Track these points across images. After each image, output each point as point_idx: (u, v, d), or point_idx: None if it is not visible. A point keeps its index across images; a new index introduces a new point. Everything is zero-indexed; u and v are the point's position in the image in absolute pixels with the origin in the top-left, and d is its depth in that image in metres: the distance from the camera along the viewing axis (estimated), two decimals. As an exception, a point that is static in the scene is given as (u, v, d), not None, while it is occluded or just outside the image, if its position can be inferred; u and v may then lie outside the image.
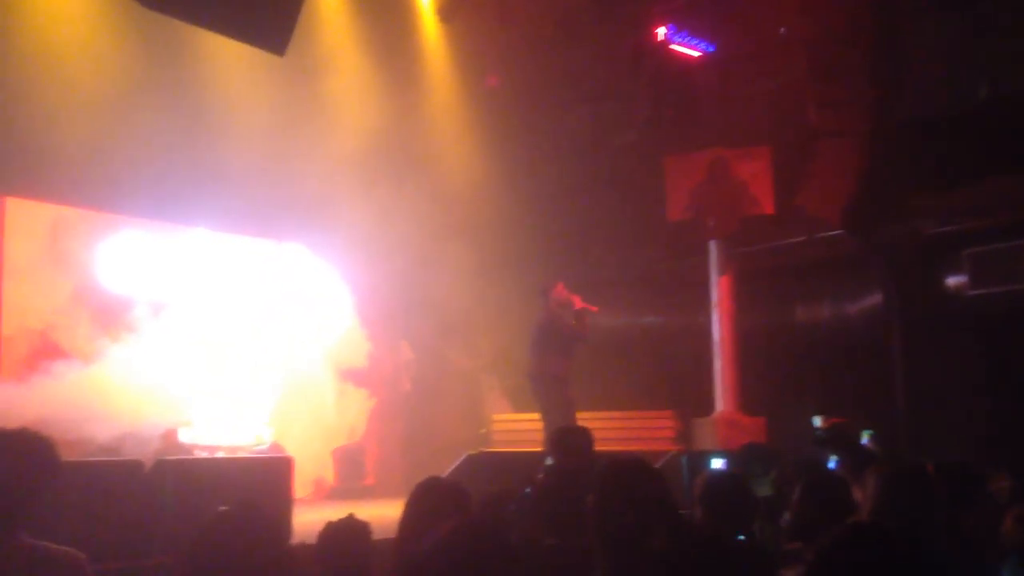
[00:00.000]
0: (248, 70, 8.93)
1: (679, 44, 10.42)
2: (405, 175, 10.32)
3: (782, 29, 10.13)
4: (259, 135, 9.09)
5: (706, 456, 6.99)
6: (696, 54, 10.59)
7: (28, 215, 8.88)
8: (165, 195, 9.09)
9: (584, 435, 5.15)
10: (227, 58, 9.01)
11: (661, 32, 10.30)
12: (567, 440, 5.10)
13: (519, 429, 9.88)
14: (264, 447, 9.15)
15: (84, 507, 4.66)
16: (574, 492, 4.07)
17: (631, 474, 3.03)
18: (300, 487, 7.36)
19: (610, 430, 9.26)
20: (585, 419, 8.93)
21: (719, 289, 10.34)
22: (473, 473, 7.74)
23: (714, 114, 10.63)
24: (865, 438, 6.11)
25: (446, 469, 8.02)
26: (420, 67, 11.24)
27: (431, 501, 3.37)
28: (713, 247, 10.42)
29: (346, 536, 3.47)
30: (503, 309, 10.51)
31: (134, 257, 9.41)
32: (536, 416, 9.97)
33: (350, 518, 3.55)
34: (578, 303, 8.51)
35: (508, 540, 2.40)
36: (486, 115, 11.30)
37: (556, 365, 8.26)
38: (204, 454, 8.50)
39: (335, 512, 3.56)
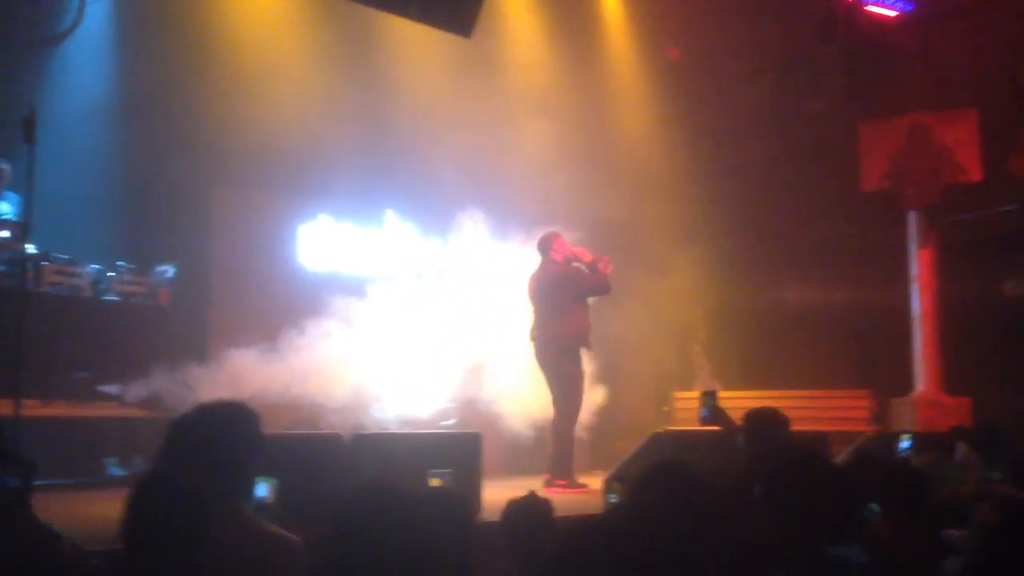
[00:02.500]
0: (433, 53, 9.10)
1: (874, 4, 9.89)
2: (587, 153, 10.27)
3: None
4: (444, 119, 9.26)
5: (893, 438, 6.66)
6: (893, 14, 10.02)
7: (234, 202, 9.42)
8: (357, 180, 9.42)
9: (777, 417, 4.97)
10: (413, 43, 9.21)
11: (852, -7, 9.83)
12: (759, 422, 4.93)
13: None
14: (451, 423, 9.35)
15: (285, 478, 4.86)
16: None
17: (802, 469, 2.89)
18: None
19: (800, 410, 8.88)
20: (774, 398, 8.68)
21: (919, 262, 9.82)
22: (658, 452, 7.64)
23: (914, 77, 10.05)
24: None
25: (630, 448, 7.95)
26: (601, 41, 11.15)
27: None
28: (913, 218, 9.89)
29: (530, 514, 3.50)
30: (686, 285, 10.33)
31: (332, 240, 9.82)
32: (724, 394, 9.79)
33: (532, 496, 3.58)
34: (588, 255, 7.99)
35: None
36: (668, 88, 11.09)
37: (571, 325, 7.82)
38: (395, 428, 8.77)
39: (517, 489, 3.59)
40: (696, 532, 2.89)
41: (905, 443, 6.51)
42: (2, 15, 7.68)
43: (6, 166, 7.48)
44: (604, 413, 10.95)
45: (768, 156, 11.19)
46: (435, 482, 5.18)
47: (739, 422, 5.67)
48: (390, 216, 10.15)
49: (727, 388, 10.41)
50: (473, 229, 9.29)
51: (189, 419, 2.95)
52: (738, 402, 9.21)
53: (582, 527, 1.97)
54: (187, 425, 2.93)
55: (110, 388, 7.36)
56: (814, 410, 9.53)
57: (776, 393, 8.75)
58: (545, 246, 7.99)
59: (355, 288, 9.18)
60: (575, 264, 8.00)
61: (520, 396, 9.50)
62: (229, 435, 2.91)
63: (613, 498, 4.46)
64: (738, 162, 11.21)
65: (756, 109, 11.42)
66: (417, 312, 9.78)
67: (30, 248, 6.74)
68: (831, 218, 10.92)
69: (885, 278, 10.43)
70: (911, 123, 10.03)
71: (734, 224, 10.85)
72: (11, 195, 7.55)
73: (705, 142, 11.29)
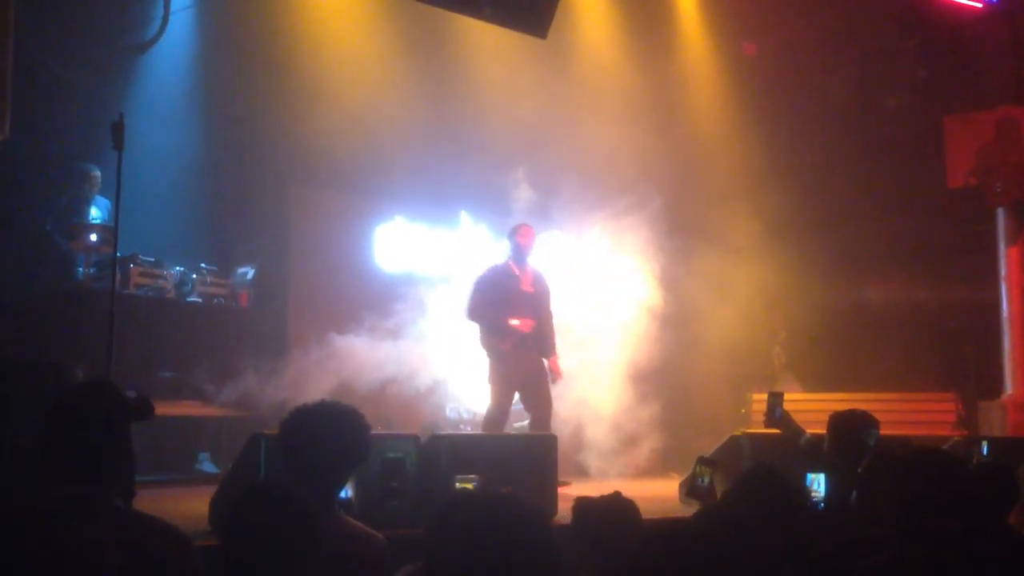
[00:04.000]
0: (507, 55, 9.12)
1: (958, -4, 9.62)
2: (663, 152, 10.17)
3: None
4: (518, 119, 9.27)
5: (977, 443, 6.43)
6: (978, 5, 9.71)
7: (312, 204, 9.57)
8: (432, 182, 9.50)
9: (867, 420, 4.83)
10: (488, 43, 9.24)
11: (936, -16, 9.56)
12: (846, 426, 4.80)
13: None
14: (525, 424, 9.35)
15: (364, 477, 4.91)
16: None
17: (904, 468, 2.77)
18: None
19: (882, 413, 8.65)
20: (855, 400, 8.47)
21: (1009, 260, 9.48)
22: (737, 455, 7.53)
23: (1000, 69, 9.72)
24: None
25: (708, 449, 7.85)
26: (676, 39, 11.03)
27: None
28: (1001, 214, 9.56)
29: (617, 514, 3.37)
30: (765, 285, 10.16)
31: (407, 240, 9.91)
32: (804, 396, 9.60)
33: (617, 496, 3.46)
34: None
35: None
36: (745, 82, 10.93)
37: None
38: (468, 429, 8.81)
39: (592, 491, 3.51)
40: (789, 538, 2.83)
41: (984, 449, 6.29)
42: (90, 25, 7.91)
43: (96, 172, 7.72)
44: (679, 414, 10.84)
45: (849, 151, 10.95)
46: (467, 485, 5.16)
47: (808, 427, 5.55)
48: (464, 217, 10.20)
49: (807, 390, 10.21)
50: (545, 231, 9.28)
51: (300, 420, 2.95)
52: (818, 404, 9.06)
53: (672, 531, 1.92)
54: (298, 426, 2.94)
55: (197, 387, 7.54)
56: (897, 413, 9.26)
57: (857, 395, 8.51)
58: (512, 236, 7.54)
59: (430, 288, 9.26)
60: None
61: (594, 397, 9.46)
62: (338, 437, 2.91)
63: (703, 481, 4.34)
64: (818, 158, 10.99)
65: (836, 103, 11.20)
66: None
67: (118, 251, 6.94)
68: (916, 215, 10.63)
69: (973, 276, 10.12)
70: (998, 117, 9.72)
71: (815, 221, 10.64)
72: (101, 200, 7.79)
73: (783, 138, 11.09)
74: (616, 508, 3.33)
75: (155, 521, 2.45)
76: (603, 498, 3.40)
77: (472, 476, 5.24)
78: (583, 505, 3.31)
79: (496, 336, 7.34)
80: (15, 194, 7.30)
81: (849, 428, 4.79)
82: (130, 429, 2.53)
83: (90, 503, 2.31)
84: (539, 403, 7.41)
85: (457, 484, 5.18)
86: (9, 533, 1.95)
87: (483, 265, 7.76)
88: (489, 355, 7.42)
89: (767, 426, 5.84)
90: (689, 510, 4.50)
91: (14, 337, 6.71)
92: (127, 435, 2.50)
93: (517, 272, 7.47)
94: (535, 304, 7.47)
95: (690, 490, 4.38)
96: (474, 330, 7.54)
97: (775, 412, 5.58)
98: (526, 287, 7.46)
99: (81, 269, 7.41)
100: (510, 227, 7.68)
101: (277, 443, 3.04)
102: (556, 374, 7.52)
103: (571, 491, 5.52)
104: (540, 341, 7.48)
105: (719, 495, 4.14)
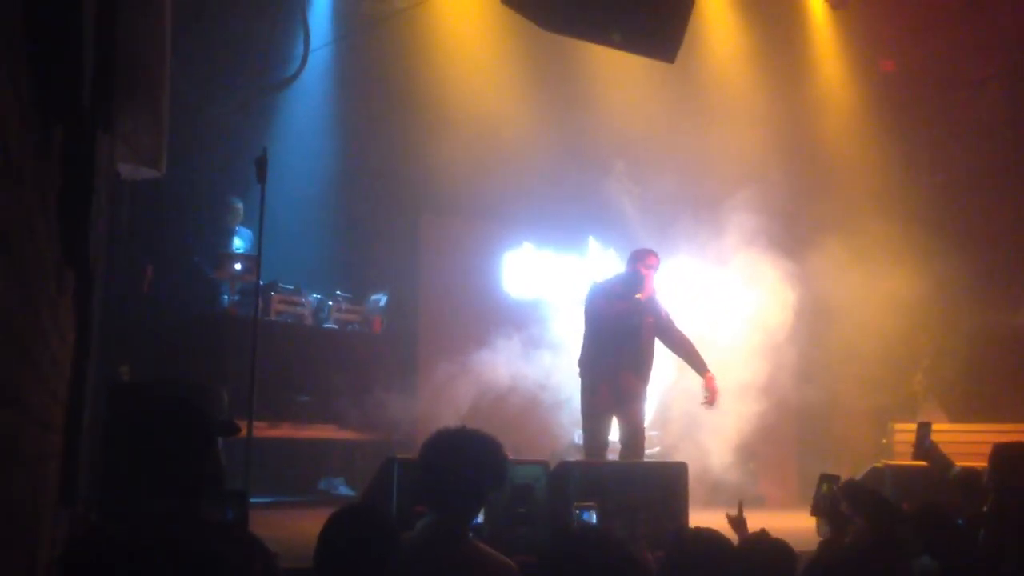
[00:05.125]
0: (636, 79, 9.10)
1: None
2: (798, 171, 9.92)
3: None
4: (647, 143, 9.23)
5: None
6: None
7: (442, 231, 9.75)
8: (560, 208, 9.55)
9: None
10: (615, 66, 9.25)
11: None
12: (1012, 458, 4.50)
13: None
14: (655, 451, 9.23)
15: (493, 503, 4.93)
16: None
17: None
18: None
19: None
20: (1010, 432, 8.00)
21: None
22: (877, 487, 7.22)
23: None
24: None
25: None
26: (810, 56, 10.79)
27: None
28: None
29: (770, 556, 3.20)
30: (908, 310, 9.75)
31: (536, 266, 9.97)
32: (950, 426, 9.13)
33: (763, 534, 3.33)
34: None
35: None
36: (886, 100, 10.58)
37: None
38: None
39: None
40: None
41: None
42: (234, 64, 8.31)
43: (240, 204, 8.08)
44: (817, 443, 10.49)
45: (998, 167, 10.43)
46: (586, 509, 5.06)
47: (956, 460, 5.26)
48: (592, 243, 10.19)
49: (953, 420, 9.72)
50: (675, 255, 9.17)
51: (440, 444, 2.99)
52: (967, 436, 8.61)
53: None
54: (438, 450, 2.98)
55: (332, 411, 7.75)
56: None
57: (1011, 427, 8.05)
58: (636, 262, 7.05)
59: (559, 314, 9.27)
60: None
61: (720, 424, 9.26)
62: (476, 463, 2.95)
63: (827, 503, 4.22)
64: (963, 175, 10.50)
65: (983, 118, 10.70)
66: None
67: (260, 280, 7.23)
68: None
69: None
70: None
71: (961, 241, 10.15)
72: (243, 230, 8.14)
73: (925, 154, 10.66)
74: (769, 548, 3.15)
75: (235, 530, 2.58)
76: (758, 536, 3.27)
77: (590, 503, 5.18)
78: (681, 536, 3.12)
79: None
80: (167, 226, 7.70)
81: (1012, 460, 4.48)
82: (216, 445, 2.63)
83: (179, 516, 2.43)
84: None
85: (575, 509, 5.12)
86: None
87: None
88: None
89: (915, 457, 5.56)
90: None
91: (166, 361, 7.06)
92: (212, 451, 2.60)
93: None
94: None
95: (816, 507, 4.27)
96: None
97: (924, 443, 5.34)
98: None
99: (226, 296, 7.75)
100: (634, 252, 7.21)
101: (410, 467, 3.10)
102: (713, 392, 7.00)
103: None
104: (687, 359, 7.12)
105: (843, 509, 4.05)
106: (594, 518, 5.03)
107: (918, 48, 10.54)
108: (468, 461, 2.93)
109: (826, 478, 4.38)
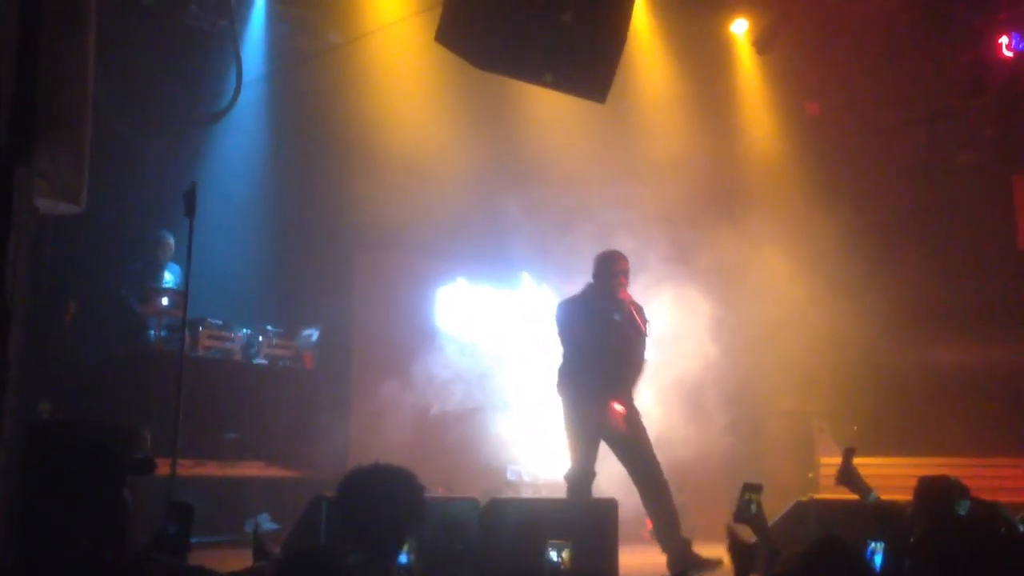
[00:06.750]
0: (567, 116, 9.24)
1: (1027, 53, 9.52)
2: (723, 209, 10.14)
3: None
4: (578, 183, 9.36)
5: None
6: (1050, 62, 9.60)
7: (376, 266, 9.73)
8: (493, 243, 9.60)
9: (957, 488, 4.66)
10: (548, 106, 9.38)
11: (1005, 42, 9.47)
12: (934, 493, 4.61)
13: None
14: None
15: (424, 541, 4.89)
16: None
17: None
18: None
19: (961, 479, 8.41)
20: (926, 466, 8.22)
21: (1085, 322, 9.21)
22: (802, 521, 7.34)
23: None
24: None
25: (773, 515, 7.66)
26: (737, 98, 11.07)
27: None
28: (1076, 275, 9.31)
29: None
30: (828, 344, 10.00)
31: (470, 300, 10.00)
32: (876, 460, 9.33)
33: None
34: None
35: None
36: (809, 144, 10.89)
37: None
38: (529, 492, 8.75)
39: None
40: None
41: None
42: (166, 97, 8.24)
43: (170, 238, 7.97)
44: (740, 475, 10.60)
45: (917, 210, 10.78)
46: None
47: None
48: (526, 278, 10.26)
49: (868, 454, 9.94)
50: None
51: (355, 483, 2.99)
52: (885, 470, 8.79)
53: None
54: (355, 486, 2.98)
55: (260, 449, 7.64)
56: (976, 479, 8.93)
57: (926, 460, 8.27)
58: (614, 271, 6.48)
59: (495, 349, 9.30)
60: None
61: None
62: (392, 499, 2.95)
63: (753, 507, 4.25)
64: (884, 218, 10.84)
65: (904, 163, 11.07)
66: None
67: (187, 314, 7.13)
68: (986, 275, 10.40)
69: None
70: (1070, 176, 9.52)
71: (882, 282, 10.45)
72: (174, 266, 8.04)
73: (847, 198, 10.98)
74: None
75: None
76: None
77: (563, 542, 5.02)
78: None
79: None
80: (93, 260, 7.56)
81: (940, 495, 4.60)
82: (123, 486, 2.62)
83: (86, 560, 2.41)
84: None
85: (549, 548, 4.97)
86: None
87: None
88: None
89: (837, 481, 5.61)
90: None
91: (90, 398, 6.90)
92: (118, 492, 2.58)
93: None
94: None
95: (738, 515, 4.29)
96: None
97: (847, 468, 5.42)
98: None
99: (153, 332, 7.63)
100: (600, 258, 6.58)
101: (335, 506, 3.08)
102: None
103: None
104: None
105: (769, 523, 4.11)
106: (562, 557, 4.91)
107: (842, 93, 10.88)
108: (383, 497, 2.92)
109: (749, 487, 4.42)
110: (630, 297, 6.47)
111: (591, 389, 6.29)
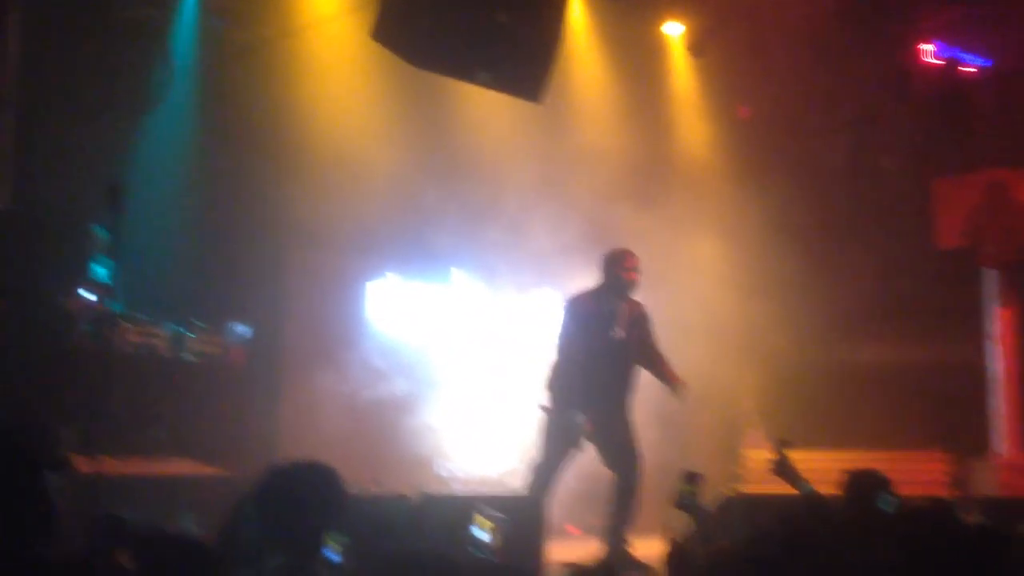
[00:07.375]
0: (503, 119, 9.29)
1: (951, 60, 9.83)
2: (660, 210, 10.28)
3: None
4: (515, 182, 9.42)
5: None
6: (971, 70, 9.93)
7: (306, 262, 9.67)
8: (425, 239, 9.62)
9: (882, 479, 4.80)
10: (481, 105, 9.41)
11: (928, 50, 9.77)
12: (864, 485, 4.74)
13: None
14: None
15: (353, 539, 4.90)
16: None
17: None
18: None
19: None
20: (847, 459, 8.44)
21: (999, 321, 9.56)
22: (730, 519, 7.48)
23: (991, 133, 9.89)
24: None
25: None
26: (672, 103, 11.24)
27: None
28: (992, 276, 9.65)
29: None
30: (747, 340, 10.22)
31: (400, 295, 9.99)
32: (806, 455, 9.54)
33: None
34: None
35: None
36: (741, 147, 11.10)
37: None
38: (459, 487, 8.79)
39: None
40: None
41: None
42: (95, 90, 8.07)
43: (100, 232, 7.81)
44: (663, 469, 10.77)
45: (843, 212, 11.06)
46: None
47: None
48: (456, 274, 10.28)
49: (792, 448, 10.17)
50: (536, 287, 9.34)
51: (275, 479, 2.97)
52: (803, 464, 9.00)
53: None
54: (273, 486, 2.96)
55: (187, 445, 7.55)
56: (888, 472, 9.21)
57: (846, 454, 8.51)
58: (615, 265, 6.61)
59: (426, 344, 9.30)
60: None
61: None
62: (314, 497, 2.93)
63: (692, 496, 4.35)
64: (810, 218, 11.09)
65: (830, 165, 11.34)
66: (488, 367, 9.87)
67: (113, 309, 7.01)
68: (905, 275, 10.73)
69: (962, 337, 10.16)
70: (988, 180, 9.86)
71: (808, 282, 10.71)
72: (104, 260, 7.87)
73: (775, 197, 11.21)
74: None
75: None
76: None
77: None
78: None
79: None
80: (16, 255, 7.39)
81: (868, 488, 4.73)
82: (44, 481, 2.58)
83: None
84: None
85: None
86: None
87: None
88: None
89: (772, 471, 5.74)
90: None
91: (9, 395, 6.75)
92: (39, 489, 2.55)
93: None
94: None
95: (678, 502, 4.38)
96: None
97: (779, 458, 5.54)
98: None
99: (78, 327, 7.46)
100: (608, 256, 6.60)
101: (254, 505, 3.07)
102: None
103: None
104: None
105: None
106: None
107: (771, 97, 11.10)
108: (300, 494, 2.91)
109: (689, 476, 4.51)
110: (635, 303, 6.58)
111: (578, 392, 6.36)
